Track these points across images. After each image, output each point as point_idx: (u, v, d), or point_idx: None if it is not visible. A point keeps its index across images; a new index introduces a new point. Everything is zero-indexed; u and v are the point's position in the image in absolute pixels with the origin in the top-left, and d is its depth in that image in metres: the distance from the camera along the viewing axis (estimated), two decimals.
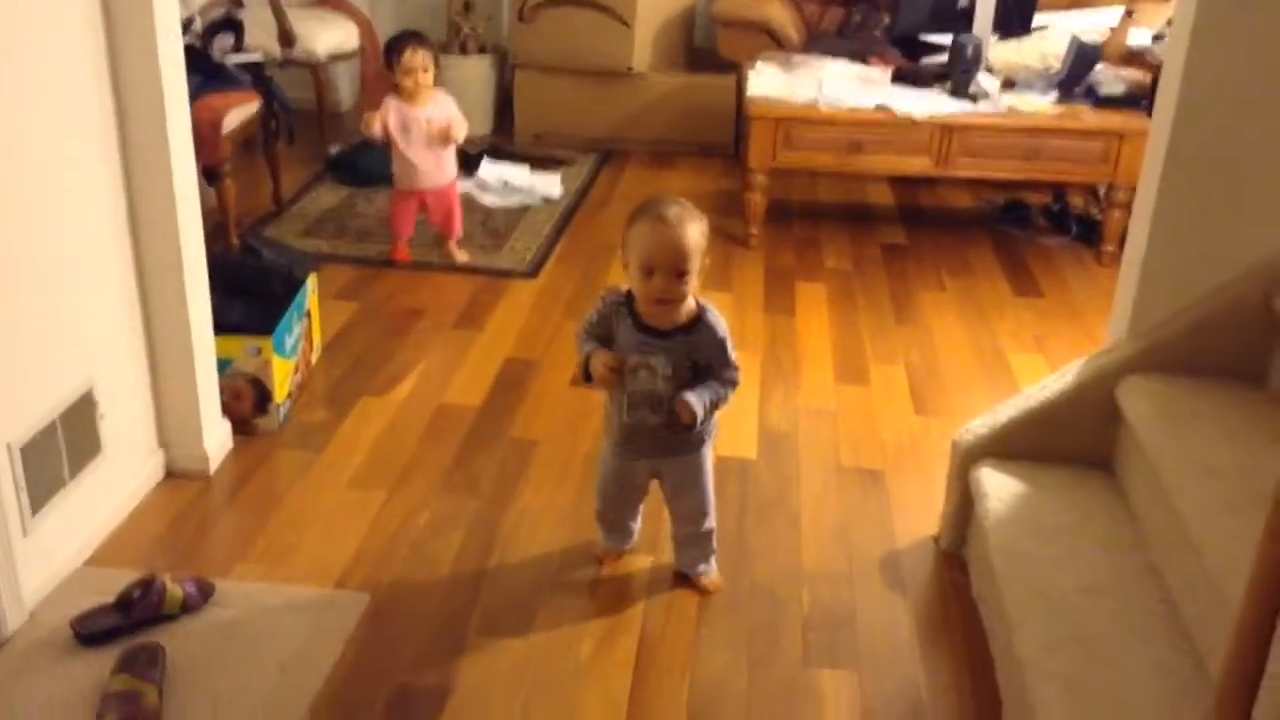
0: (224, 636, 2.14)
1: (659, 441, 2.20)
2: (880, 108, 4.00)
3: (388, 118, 3.72)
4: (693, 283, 2.09)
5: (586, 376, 2.17)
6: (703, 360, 2.14)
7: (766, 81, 4.22)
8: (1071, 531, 2.15)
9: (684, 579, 2.36)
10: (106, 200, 2.36)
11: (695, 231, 2.07)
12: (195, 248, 2.55)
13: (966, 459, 2.42)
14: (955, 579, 2.41)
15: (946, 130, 3.97)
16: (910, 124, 3.96)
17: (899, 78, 4.24)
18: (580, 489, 2.62)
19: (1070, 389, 2.34)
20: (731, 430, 2.90)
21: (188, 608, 2.18)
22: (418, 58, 3.70)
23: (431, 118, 3.74)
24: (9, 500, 2.07)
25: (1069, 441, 2.35)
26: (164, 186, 2.42)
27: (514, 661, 2.12)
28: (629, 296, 2.15)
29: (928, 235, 4.38)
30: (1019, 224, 4.46)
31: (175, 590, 2.17)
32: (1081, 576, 2.01)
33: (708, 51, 5.39)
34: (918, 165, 4.07)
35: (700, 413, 2.11)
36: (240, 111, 3.89)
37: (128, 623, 2.12)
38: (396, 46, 3.73)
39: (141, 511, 2.51)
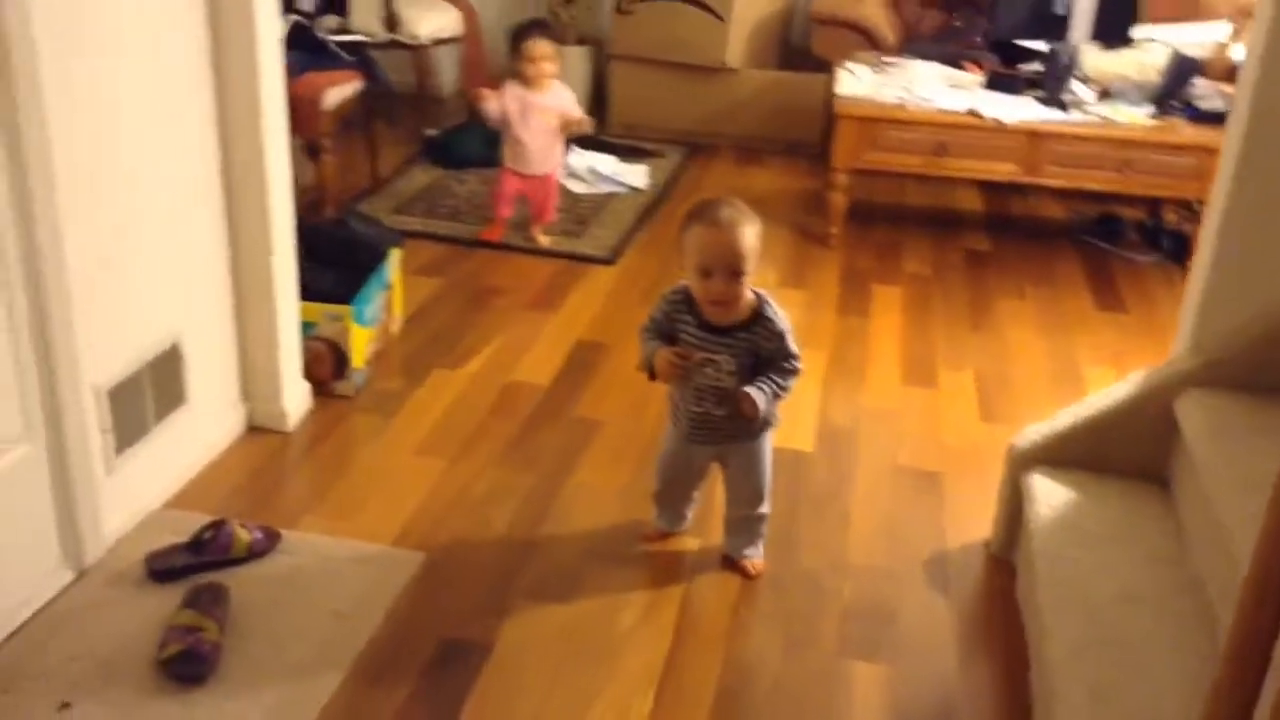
0: (286, 582, 2.25)
1: (724, 429, 2.26)
2: (970, 111, 3.98)
3: (507, 101, 3.81)
4: (749, 282, 2.15)
5: (651, 374, 2.23)
6: (764, 353, 2.19)
7: (855, 81, 4.23)
8: (1117, 541, 2.15)
9: (730, 563, 2.41)
10: (203, 168, 2.49)
11: (749, 233, 2.11)
12: (284, 214, 2.67)
13: (1020, 464, 2.42)
14: (1002, 583, 2.41)
15: (1035, 137, 3.94)
16: (998, 129, 3.94)
17: (992, 83, 4.21)
18: (637, 469, 2.68)
19: (1129, 400, 2.33)
20: (790, 423, 2.93)
21: (255, 553, 2.30)
22: (541, 46, 3.79)
23: (548, 105, 3.83)
24: (94, 440, 2.21)
25: (1124, 452, 2.34)
26: (256, 157, 2.55)
27: (556, 624, 2.20)
28: (689, 294, 2.20)
29: (1013, 244, 4.35)
30: (1109, 238, 4.39)
31: (244, 535, 2.30)
32: (1122, 585, 2.01)
33: (803, 50, 5.41)
34: (1005, 171, 4.05)
35: (763, 406, 2.17)
36: (341, 89, 4.04)
37: (198, 562, 2.24)
38: (522, 34, 3.82)
39: (221, 461, 2.65)
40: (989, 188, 4.84)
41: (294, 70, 3.88)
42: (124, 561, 2.26)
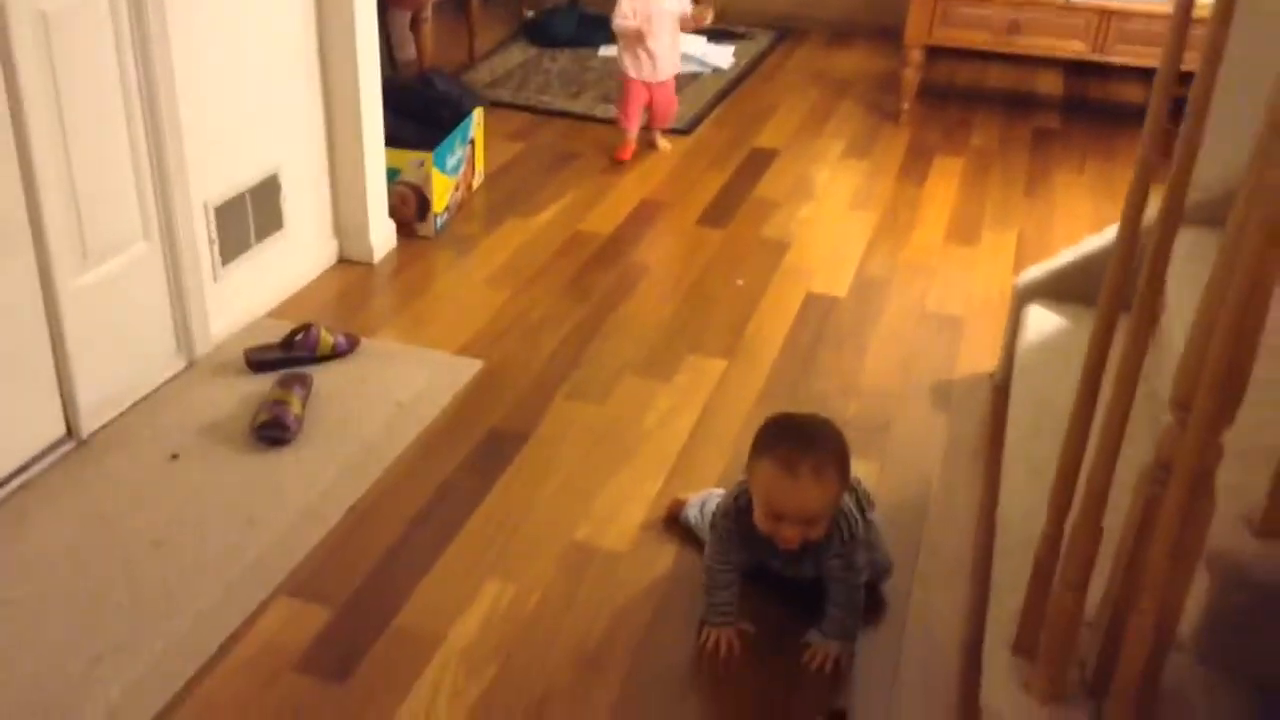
0: (360, 376, 2.62)
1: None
2: None
3: (637, 12, 3.76)
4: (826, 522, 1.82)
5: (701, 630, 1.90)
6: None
7: None
8: None
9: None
10: (300, 22, 2.82)
11: (831, 480, 1.75)
12: (371, 68, 3.00)
13: (1022, 298, 2.63)
14: (999, 407, 2.62)
15: (1105, 15, 4.02)
16: (1068, 7, 4.02)
17: None
18: (678, 308, 2.98)
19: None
20: (828, 273, 3.18)
21: (337, 352, 2.68)
22: None
23: (671, 10, 3.85)
24: (203, 249, 2.60)
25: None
26: (348, 14, 2.87)
27: (589, 421, 2.52)
28: (748, 508, 1.85)
29: (1083, 123, 4.43)
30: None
31: (328, 338, 2.67)
32: None
33: None
34: (1074, 49, 4.13)
35: (836, 654, 1.86)
36: None
37: (288, 357, 2.63)
38: None
39: (314, 284, 3.04)
40: (1071, 71, 4.90)
41: None
42: (227, 355, 2.66)
